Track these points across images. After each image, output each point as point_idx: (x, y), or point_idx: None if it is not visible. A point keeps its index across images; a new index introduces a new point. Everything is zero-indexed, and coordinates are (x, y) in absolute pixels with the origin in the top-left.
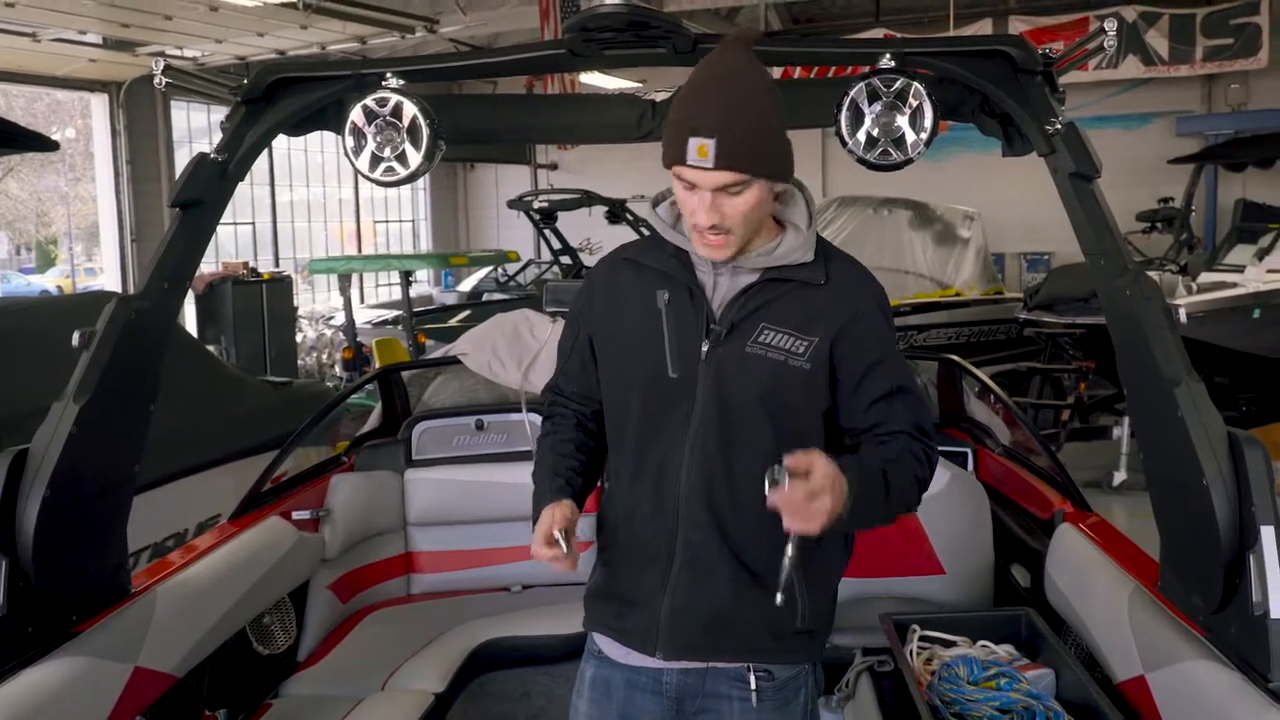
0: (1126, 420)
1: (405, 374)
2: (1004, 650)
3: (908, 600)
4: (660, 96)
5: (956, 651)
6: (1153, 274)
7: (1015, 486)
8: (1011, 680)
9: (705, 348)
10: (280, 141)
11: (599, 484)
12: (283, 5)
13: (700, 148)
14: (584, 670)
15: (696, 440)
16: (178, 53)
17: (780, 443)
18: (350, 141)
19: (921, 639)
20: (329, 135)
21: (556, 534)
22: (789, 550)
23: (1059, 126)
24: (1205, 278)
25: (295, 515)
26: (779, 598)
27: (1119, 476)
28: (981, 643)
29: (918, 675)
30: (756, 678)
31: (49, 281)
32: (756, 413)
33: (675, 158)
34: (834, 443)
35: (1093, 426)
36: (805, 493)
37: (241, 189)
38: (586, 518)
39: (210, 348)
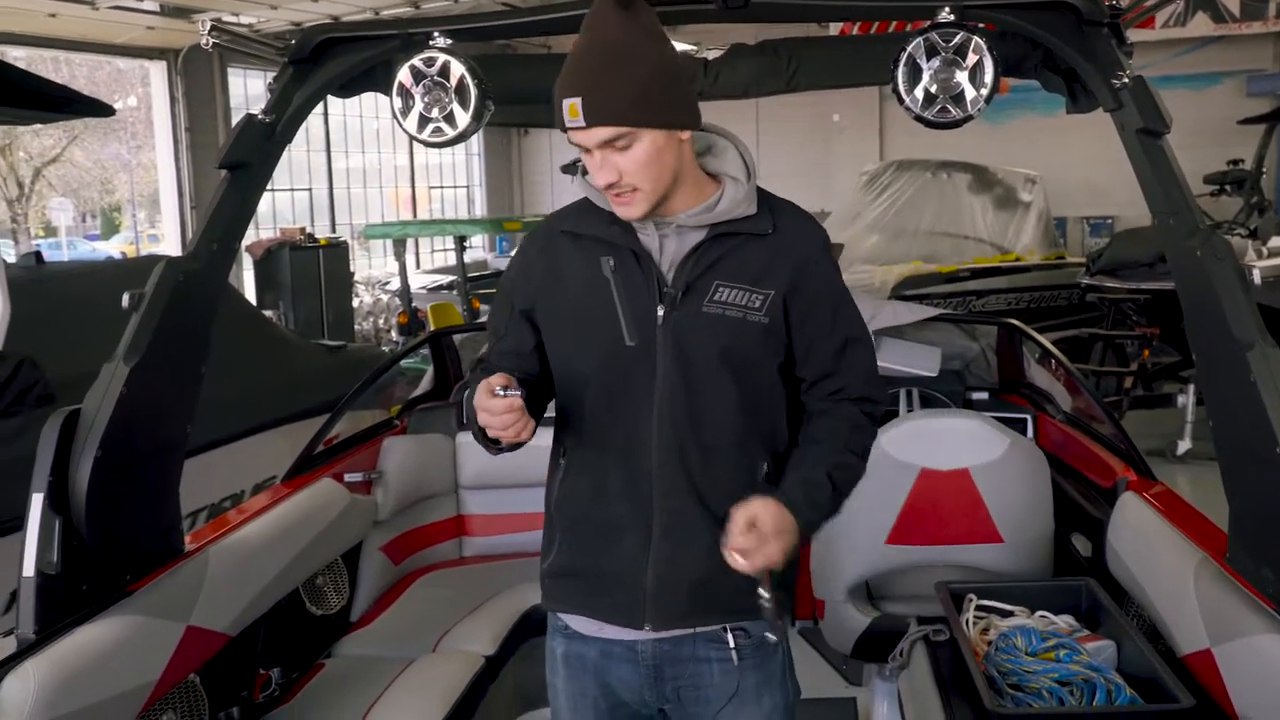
0: (1192, 388)
1: (457, 337)
2: (1063, 621)
3: (964, 569)
4: (713, 54)
5: (1014, 622)
6: None
7: (1077, 454)
8: (1071, 652)
9: (661, 312)
10: (336, 107)
11: (552, 459)
12: None
13: (570, 107)
14: (553, 647)
15: (664, 408)
16: (234, 19)
17: (744, 400)
18: (398, 102)
19: (978, 609)
20: (384, 101)
21: (497, 391)
22: (762, 590)
23: (1126, 80)
24: (1276, 242)
25: (348, 478)
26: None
27: (1184, 445)
28: (1040, 613)
29: (974, 646)
30: (734, 637)
31: (113, 248)
32: (720, 372)
33: (560, 124)
34: (794, 396)
35: (1157, 394)
36: (757, 541)
37: (299, 155)
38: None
39: (268, 313)
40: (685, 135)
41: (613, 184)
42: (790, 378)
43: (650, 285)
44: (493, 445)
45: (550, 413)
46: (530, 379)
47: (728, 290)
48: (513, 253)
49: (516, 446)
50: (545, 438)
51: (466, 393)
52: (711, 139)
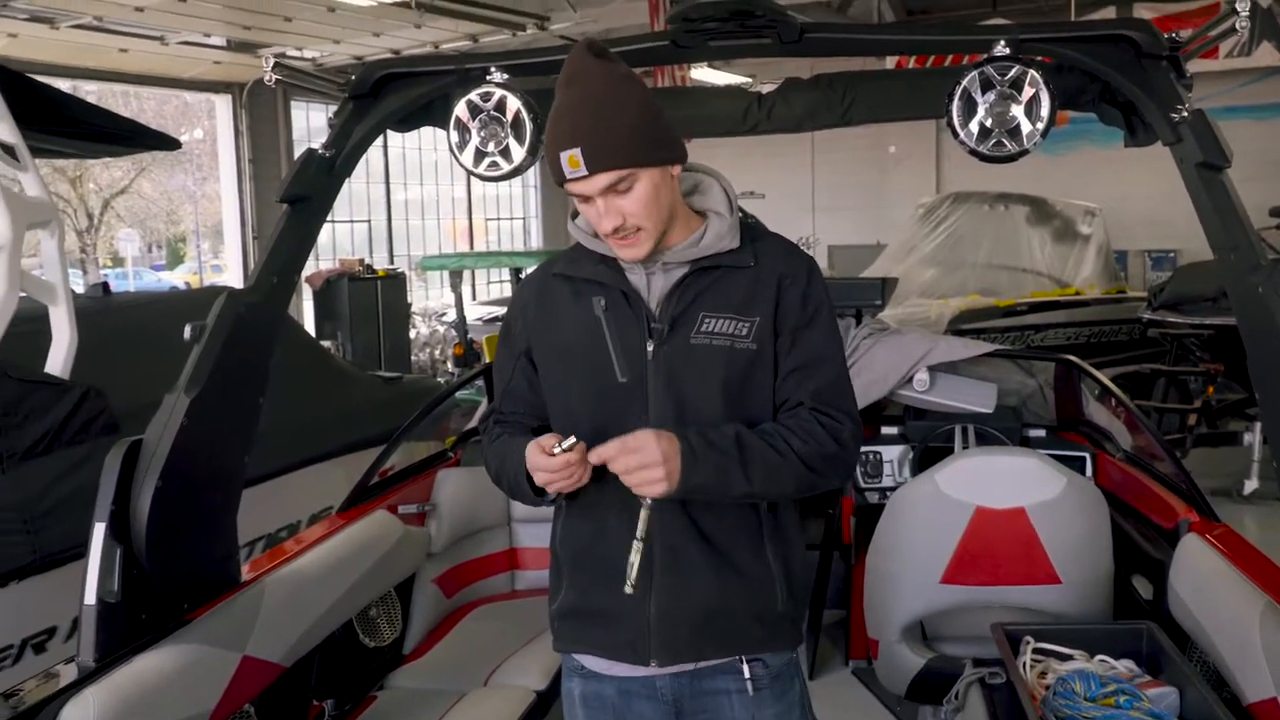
0: (1258, 425)
1: None
2: (1124, 666)
3: (1021, 610)
4: (767, 89)
5: (1073, 666)
6: None
7: (1137, 493)
8: (1132, 698)
9: (650, 347)
10: (395, 140)
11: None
12: (396, 4)
13: (569, 159)
14: (570, 689)
15: None
16: (297, 53)
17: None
18: (455, 136)
19: (1036, 651)
20: (443, 134)
21: (555, 449)
22: (641, 525)
23: (1186, 114)
24: None
25: (402, 509)
26: (633, 558)
27: (1250, 485)
28: (1100, 657)
29: (1031, 689)
30: (750, 667)
31: (178, 278)
32: (712, 403)
33: (558, 178)
34: None
35: (1221, 432)
36: (631, 460)
37: (358, 187)
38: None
39: (326, 343)
40: (676, 171)
41: (618, 228)
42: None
43: (640, 321)
44: (538, 496)
45: None
46: (545, 425)
47: (714, 320)
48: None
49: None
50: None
51: (498, 458)
52: (697, 178)
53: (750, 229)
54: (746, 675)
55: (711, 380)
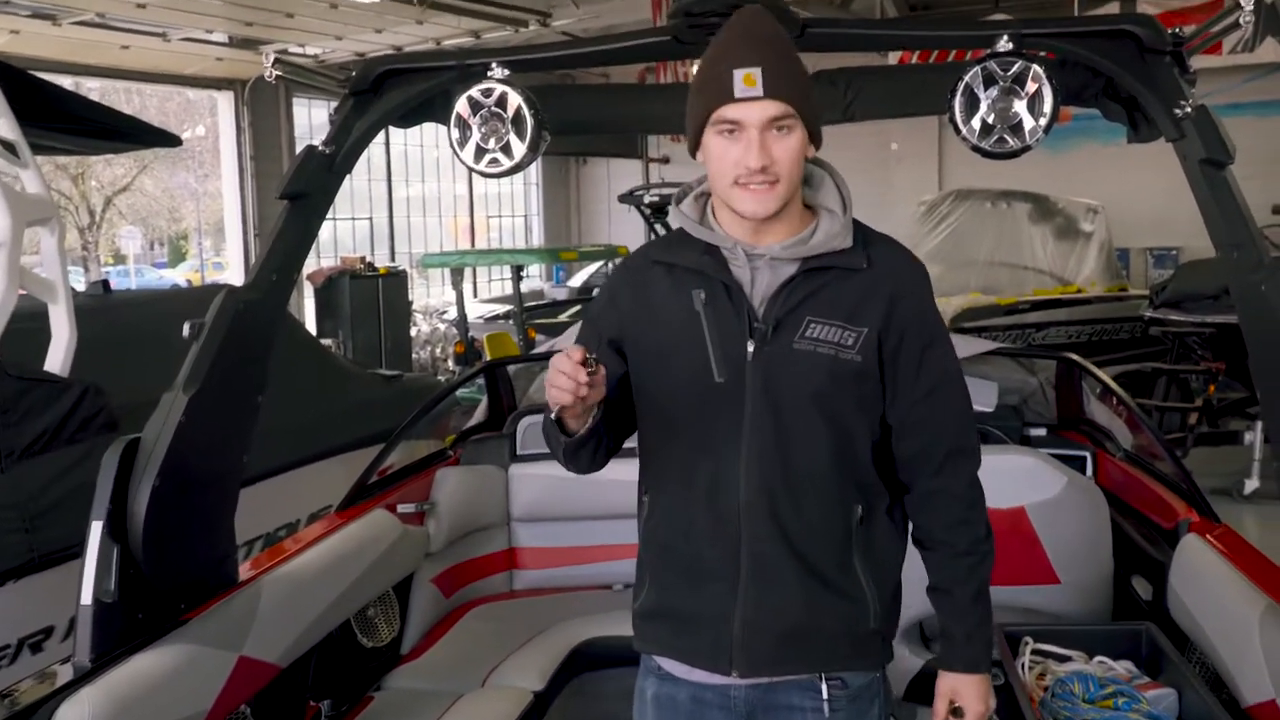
0: (1259, 424)
1: (512, 368)
2: (1123, 667)
3: (1020, 611)
4: None
5: (1072, 667)
6: None
7: (1137, 493)
8: (1131, 700)
9: (751, 348)
10: (396, 137)
11: (638, 497)
12: (399, 1)
13: (746, 76)
14: (644, 688)
15: (752, 448)
16: (300, 50)
17: (836, 442)
18: (455, 133)
19: (1034, 652)
20: (444, 131)
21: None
22: None
23: (1189, 110)
24: None
25: (400, 508)
26: None
27: (1251, 485)
28: (1099, 658)
29: (1029, 691)
30: (829, 686)
31: (180, 276)
32: (810, 412)
33: (719, 96)
34: (886, 437)
35: (1222, 431)
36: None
37: (360, 184)
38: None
39: (326, 341)
40: (811, 151)
41: (764, 168)
42: (884, 419)
43: (741, 320)
44: (564, 440)
45: (628, 443)
46: (612, 411)
47: (820, 326)
48: (570, 282)
49: (589, 442)
50: (611, 470)
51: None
52: (810, 169)
53: (864, 229)
54: (824, 695)
55: (809, 388)
